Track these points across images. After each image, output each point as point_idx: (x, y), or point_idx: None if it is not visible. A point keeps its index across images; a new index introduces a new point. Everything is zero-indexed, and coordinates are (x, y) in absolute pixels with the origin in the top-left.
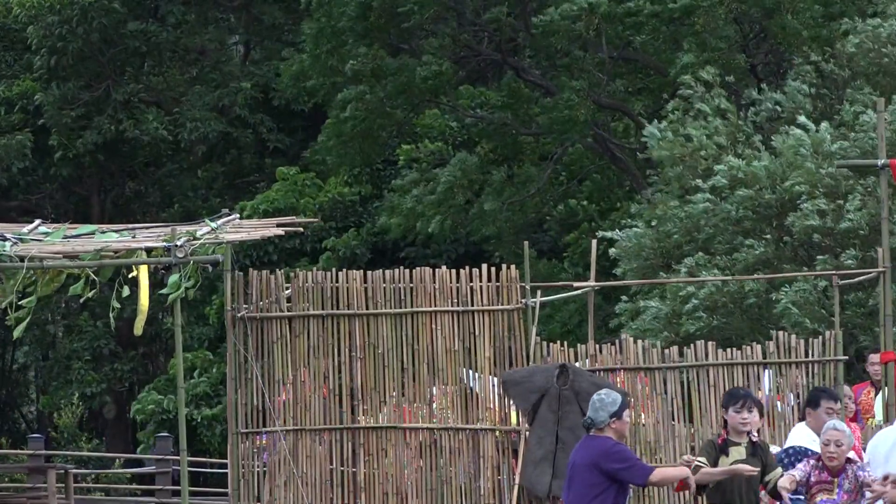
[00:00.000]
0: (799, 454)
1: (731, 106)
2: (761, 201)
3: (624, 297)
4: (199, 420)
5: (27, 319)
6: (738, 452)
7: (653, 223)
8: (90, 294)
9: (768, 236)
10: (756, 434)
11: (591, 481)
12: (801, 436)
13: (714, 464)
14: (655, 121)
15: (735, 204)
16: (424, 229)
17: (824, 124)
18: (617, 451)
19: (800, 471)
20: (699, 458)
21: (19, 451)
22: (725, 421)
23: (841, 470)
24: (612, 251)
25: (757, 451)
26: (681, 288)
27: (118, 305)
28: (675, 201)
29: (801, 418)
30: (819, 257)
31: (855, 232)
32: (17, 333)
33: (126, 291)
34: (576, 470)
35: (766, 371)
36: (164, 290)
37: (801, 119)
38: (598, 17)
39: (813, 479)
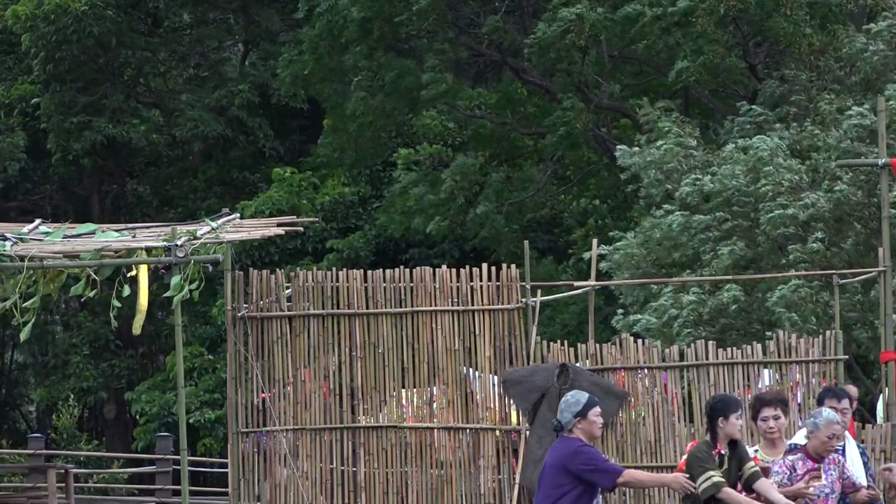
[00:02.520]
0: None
1: (685, 125)
2: (735, 199)
3: (620, 311)
4: (202, 423)
5: (32, 320)
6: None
7: (637, 233)
8: (91, 294)
9: (742, 240)
10: None
11: (557, 482)
12: (802, 434)
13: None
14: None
15: (709, 213)
16: (423, 227)
17: (775, 138)
18: (583, 452)
19: (778, 473)
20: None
21: (19, 451)
22: (714, 431)
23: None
24: (602, 265)
25: (737, 450)
26: (665, 307)
27: (119, 304)
28: (658, 211)
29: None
30: (791, 246)
31: (821, 215)
32: (24, 335)
33: (126, 291)
34: (545, 471)
35: (766, 370)
36: (167, 294)
37: (760, 136)
38: (588, 26)
39: (799, 470)
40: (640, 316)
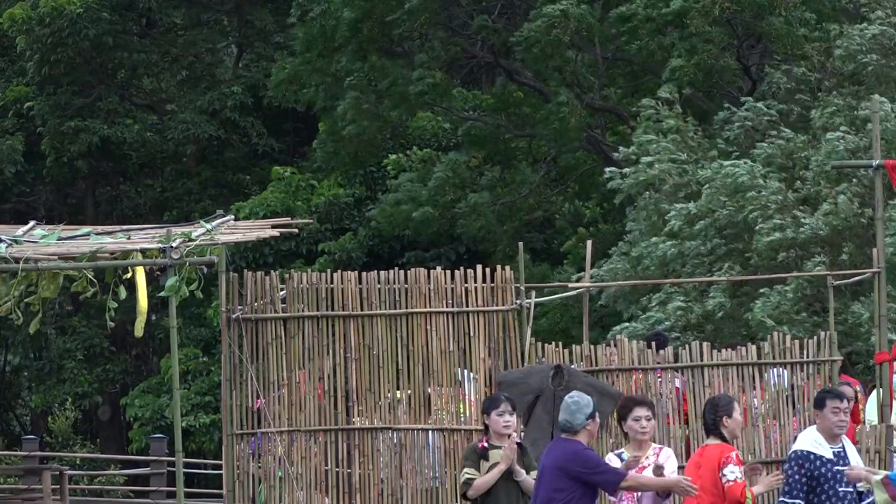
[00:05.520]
0: (800, 458)
1: (688, 124)
2: (722, 223)
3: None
4: (196, 426)
5: (39, 315)
6: (497, 455)
7: (631, 254)
8: (89, 294)
9: (739, 260)
10: (518, 436)
11: (557, 485)
12: (805, 439)
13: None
14: (620, 148)
15: (700, 238)
16: (409, 215)
17: (750, 162)
18: (585, 456)
19: None
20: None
21: (15, 453)
22: (486, 426)
23: None
24: (595, 270)
25: (523, 453)
26: (651, 317)
27: (115, 304)
28: (651, 238)
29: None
30: (791, 275)
31: (816, 236)
32: (32, 328)
33: (123, 293)
34: (544, 472)
35: (774, 371)
36: (163, 293)
37: (729, 162)
38: (573, 23)
39: None
40: (627, 324)
